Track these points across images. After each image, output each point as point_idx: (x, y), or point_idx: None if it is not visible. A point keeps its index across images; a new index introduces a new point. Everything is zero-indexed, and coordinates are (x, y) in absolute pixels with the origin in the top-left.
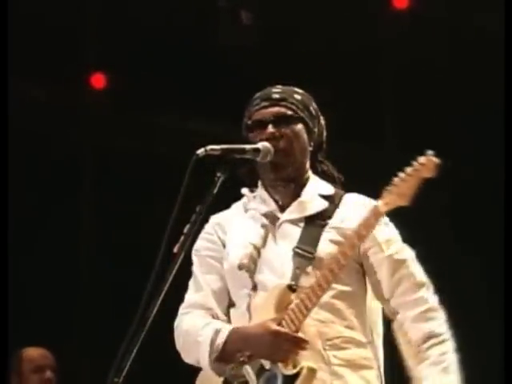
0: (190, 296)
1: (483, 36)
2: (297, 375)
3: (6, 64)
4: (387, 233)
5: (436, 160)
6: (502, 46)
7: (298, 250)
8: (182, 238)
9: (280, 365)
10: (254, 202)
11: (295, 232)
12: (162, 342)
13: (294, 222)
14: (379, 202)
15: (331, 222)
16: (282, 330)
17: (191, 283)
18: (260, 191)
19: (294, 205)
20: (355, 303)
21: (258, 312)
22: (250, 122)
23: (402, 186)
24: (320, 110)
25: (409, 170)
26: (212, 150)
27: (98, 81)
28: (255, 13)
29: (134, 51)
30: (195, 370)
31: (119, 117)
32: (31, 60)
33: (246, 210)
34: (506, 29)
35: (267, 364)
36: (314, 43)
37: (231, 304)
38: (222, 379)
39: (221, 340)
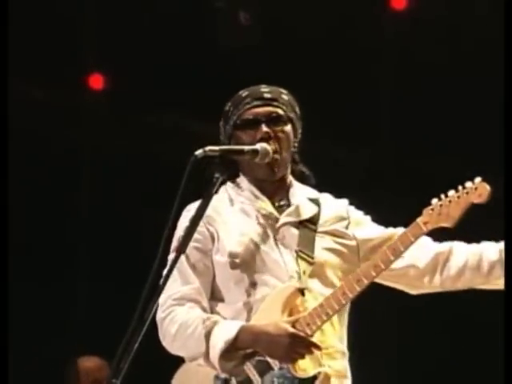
0: (179, 288)
1: (483, 37)
2: (311, 379)
3: (5, 65)
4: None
5: (488, 186)
6: (502, 46)
7: (301, 254)
8: (181, 238)
9: (290, 367)
10: (243, 197)
11: (294, 235)
12: (160, 343)
13: (292, 224)
14: (419, 220)
15: (320, 226)
16: (300, 333)
17: (177, 274)
18: (248, 186)
19: (293, 208)
20: (342, 316)
21: (262, 310)
22: (239, 121)
23: (450, 208)
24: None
25: (457, 192)
26: (211, 150)
27: (97, 82)
28: (254, 13)
29: (132, 52)
30: None
31: (117, 118)
32: (30, 61)
33: (233, 203)
34: (506, 29)
35: (275, 364)
36: (312, 44)
37: (218, 298)
38: (212, 376)
39: (231, 335)
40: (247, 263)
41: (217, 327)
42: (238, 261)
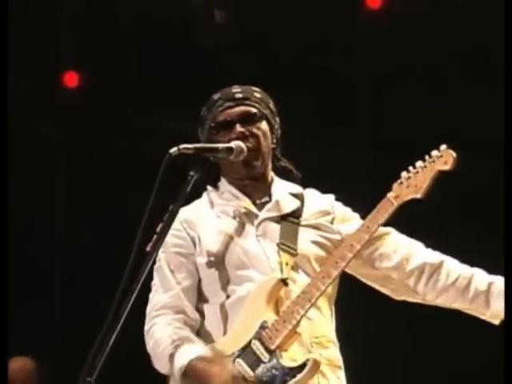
0: (160, 297)
1: (460, 34)
2: (300, 367)
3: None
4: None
5: (453, 153)
6: (481, 41)
7: (282, 246)
8: (155, 236)
9: (280, 357)
10: (223, 198)
11: (275, 229)
12: (134, 341)
13: (272, 219)
14: (389, 194)
15: (303, 220)
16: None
17: (158, 282)
18: (227, 187)
19: (272, 203)
20: (330, 304)
21: (247, 305)
22: (214, 124)
23: (416, 179)
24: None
25: (422, 162)
26: (185, 148)
27: (71, 80)
28: (231, 12)
29: (107, 50)
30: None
31: (92, 116)
32: None
33: (213, 206)
34: (505, 29)
35: (265, 356)
36: (288, 43)
37: (205, 299)
38: None
39: (182, 365)
40: (229, 261)
41: (177, 353)
42: (218, 260)
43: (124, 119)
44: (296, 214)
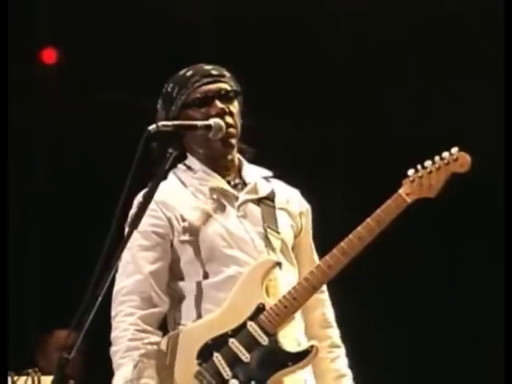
0: (127, 281)
1: (446, 22)
2: (303, 353)
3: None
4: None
5: (468, 157)
6: (460, 27)
7: (268, 230)
8: (133, 214)
9: (280, 340)
10: (196, 178)
11: (257, 212)
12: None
13: (252, 201)
14: (401, 191)
15: (277, 203)
16: None
17: (127, 263)
18: (200, 166)
19: (251, 186)
20: None
21: (241, 285)
22: (190, 100)
23: (430, 178)
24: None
25: (435, 163)
26: (164, 126)
27: (50, 56)
28: None
29: (86, 26)
30: None
31: (70, 93)
32: None
33: (187, 186)
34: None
35: (263, 338)
36: (267, 22)
37: (181, 278)
38: (198, 348)
39: None
40: (213, 240)
41: (119, 370)
42: (200, 238)
43: (104, 97)
44: (271, 197)
